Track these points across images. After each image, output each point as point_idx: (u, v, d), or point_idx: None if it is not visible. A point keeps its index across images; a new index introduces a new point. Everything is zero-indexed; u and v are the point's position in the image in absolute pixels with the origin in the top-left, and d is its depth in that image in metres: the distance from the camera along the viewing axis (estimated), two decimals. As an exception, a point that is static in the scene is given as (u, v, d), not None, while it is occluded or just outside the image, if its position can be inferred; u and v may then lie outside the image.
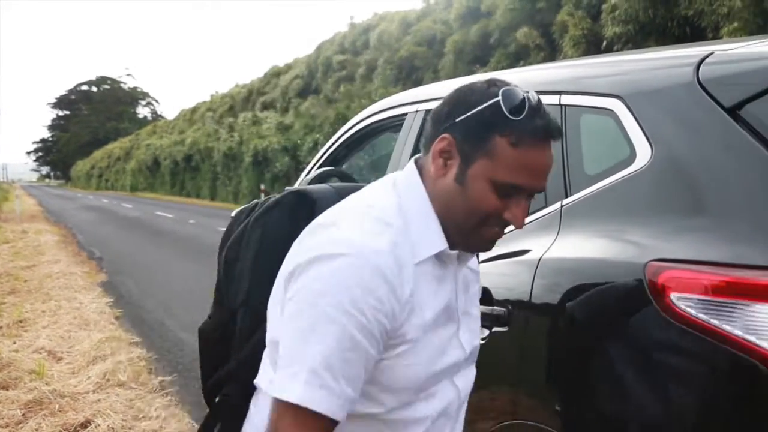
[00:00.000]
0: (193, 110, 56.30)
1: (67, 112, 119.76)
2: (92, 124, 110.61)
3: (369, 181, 3.60)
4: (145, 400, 6.38)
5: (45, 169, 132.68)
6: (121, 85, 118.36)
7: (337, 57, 32.70)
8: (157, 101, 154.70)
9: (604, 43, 15.28)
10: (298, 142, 29.74)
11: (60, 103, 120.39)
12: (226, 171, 36.42)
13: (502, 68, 16.53)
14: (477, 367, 2.73)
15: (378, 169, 3.66)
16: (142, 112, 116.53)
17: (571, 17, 16.76)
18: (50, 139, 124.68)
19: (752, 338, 1.90)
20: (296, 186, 4.22)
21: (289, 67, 40.50)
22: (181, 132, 50.94)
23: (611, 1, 14.99)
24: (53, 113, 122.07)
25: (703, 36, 13.45)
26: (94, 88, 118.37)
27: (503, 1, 19.53)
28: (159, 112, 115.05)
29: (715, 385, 2.02)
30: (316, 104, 32.26)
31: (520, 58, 18.68)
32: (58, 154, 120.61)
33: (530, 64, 15.22)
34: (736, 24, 12.39)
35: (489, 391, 2.64)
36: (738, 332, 1.92)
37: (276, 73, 41.77)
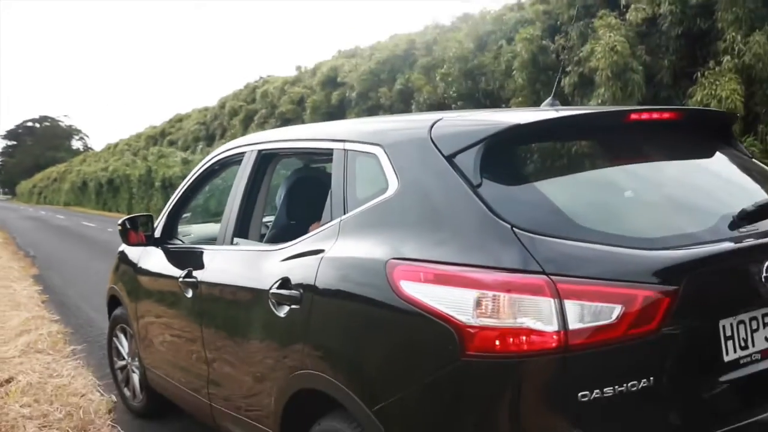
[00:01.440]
0: (116, 145, 54.55)
1: (15, 143, 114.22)
2: (35, 152, 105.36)
3: (222, 203, 3.64)
4: (59, 363, 6.23)
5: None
6: (59, 123, 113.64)
7: (235, 103, 31.75)
8: (87, 136, 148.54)
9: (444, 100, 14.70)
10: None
11: (9, 135, 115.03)
12: (141, 192, 35.34)
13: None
14: (279, 333, 2.82)
15: (227, 193, 3.70)
16: (76, 144, 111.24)
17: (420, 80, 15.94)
18: (0, 163, 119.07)
19: (450, 312, 2.03)
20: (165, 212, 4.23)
21: (188, 115, 39.68)
22: (105, 161, 49.16)
23: (441, 70, 14.57)
24: (3, 143, 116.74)
25: (499, 105, 13.33)
26: (37, 125, 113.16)
27: (357, 73, 19.41)
28: (89, 145, 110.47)
29: (432, 345, 2.11)
30: (219, 144, 31.61)
31: (372, 113, 18.30)
32: (7, 175, 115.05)
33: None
34: (520, 99, 12.38)
35: (289, 350, 2.72)
36: (443, 308, 2.05)
37: (179, 119, 40.92)
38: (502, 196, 2.20)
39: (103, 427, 4.65)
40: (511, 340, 1.95)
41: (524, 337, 1.94)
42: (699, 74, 9.44)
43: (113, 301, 5.06)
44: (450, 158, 2.31)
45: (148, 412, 4.81)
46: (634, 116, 2.49)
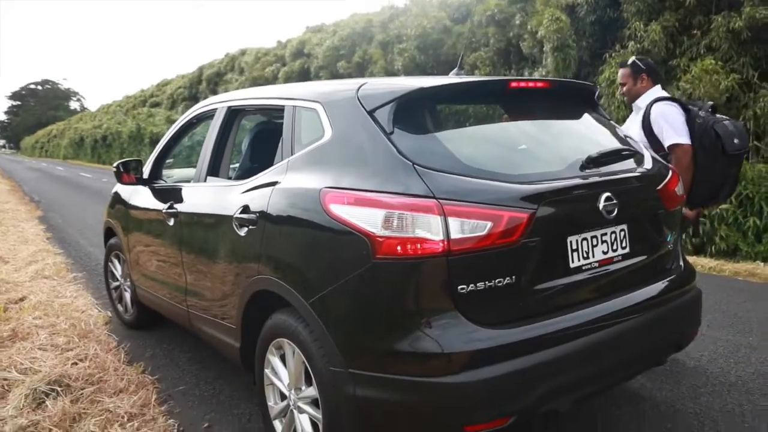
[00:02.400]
0: (109, 105, 53.41)
1: (19, 103, 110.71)
2: (37, 112, 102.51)
3: (199, 150, 3.82)
4: (63, 286, 6.46)
5: (2, 141, 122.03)
6: (59, 86, 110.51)
7: (214, 70, 31.17)
8: (84, 98, 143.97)
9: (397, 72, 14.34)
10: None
11: (14, 96, 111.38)
12: (131, 147, 34.71)
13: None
14: (241, 248, 3.09)
15: (202, 142, 3.88)
16: (73, 105, 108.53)
17: (377, 54, 15.78)
18: (6, 120, 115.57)
19: (365, 226, 2.31)
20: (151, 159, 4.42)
21: (172, 81, 38.85)
22: (99, 120, 47.97)
23: (400, 46, 14.41)
24: (9, 103, 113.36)
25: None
26: (39, 87, 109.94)
27: (322, 48, 19.27)
28: (85, 106, 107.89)
29: (352, 251, 2.35)
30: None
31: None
32: (12, 131, 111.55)
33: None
34: (488, 69, 12.23)
35: (248, 261, 2.96)
36: (360, 223, 2.33)
37: (165, 83, 40.13)
38: (409, 142, 2.47)
39: (101, 335, 4.90)
40: (409, 246, 2.24)
41: (418, 245, 2.24)
42: (608, 56, 9.78)
43: (109, 233, 5.26)
44: (371, 112, 2.57)
45: (138, 323, 5.05)
46: (513, 84, 2.76)
